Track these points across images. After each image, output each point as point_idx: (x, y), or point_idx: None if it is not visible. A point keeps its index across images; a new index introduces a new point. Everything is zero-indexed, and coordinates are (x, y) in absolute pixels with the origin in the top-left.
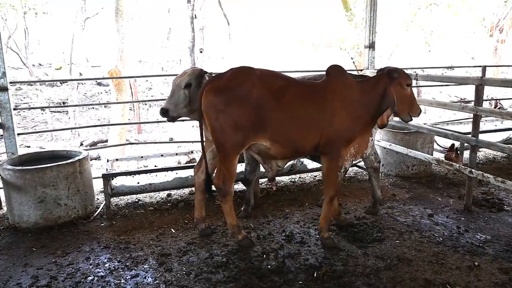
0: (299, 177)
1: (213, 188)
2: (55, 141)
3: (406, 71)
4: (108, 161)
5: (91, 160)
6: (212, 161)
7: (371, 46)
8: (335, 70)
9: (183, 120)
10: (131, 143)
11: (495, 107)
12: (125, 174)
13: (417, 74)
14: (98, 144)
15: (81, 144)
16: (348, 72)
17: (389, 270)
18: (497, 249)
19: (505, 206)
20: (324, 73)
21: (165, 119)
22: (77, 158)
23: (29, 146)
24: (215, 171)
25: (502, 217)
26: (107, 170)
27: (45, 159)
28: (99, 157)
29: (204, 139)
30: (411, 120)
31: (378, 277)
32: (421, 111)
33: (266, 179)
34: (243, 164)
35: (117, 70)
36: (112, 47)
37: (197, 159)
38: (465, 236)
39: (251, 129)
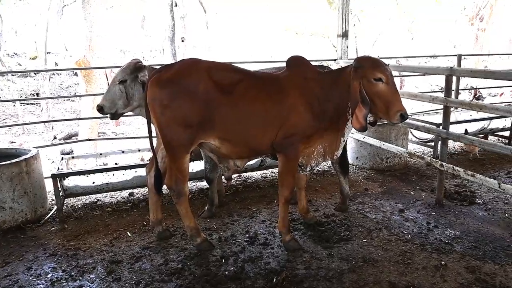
0: (271, 172)
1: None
2: (27, 135)
3: (388, 61)
4: (62, 158)
5: (65, 154)
6: (165, 159)
7: (345, 35)
8: (296, 61)
9: None
10: (106, 139)
11: (474, 96)
12: (77, 173)
13: (400, 64)
14: (72, 138)
15: (55, 138)
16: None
17: (353, 272)
18: (465, 246)
19: (477, 199)
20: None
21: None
22: (23, 157)
23: None
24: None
25: (472, 211)
26: (58, 169)
27: None
28: (72, 151)
29: (153, 136)
30: (398, 122)
31: (340, 281)
32: (403, 113)
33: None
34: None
35: (85, 60)
36: (80, 35)
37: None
38: (434, 233)
39: (198, 126)
